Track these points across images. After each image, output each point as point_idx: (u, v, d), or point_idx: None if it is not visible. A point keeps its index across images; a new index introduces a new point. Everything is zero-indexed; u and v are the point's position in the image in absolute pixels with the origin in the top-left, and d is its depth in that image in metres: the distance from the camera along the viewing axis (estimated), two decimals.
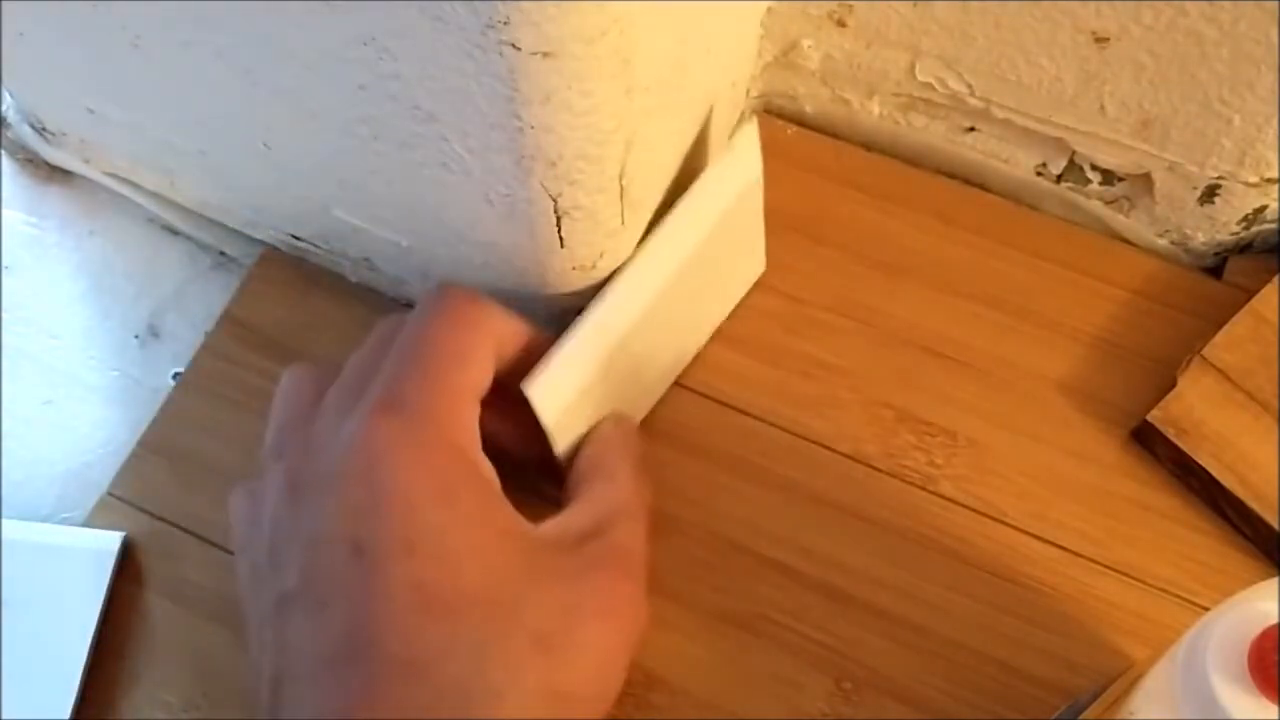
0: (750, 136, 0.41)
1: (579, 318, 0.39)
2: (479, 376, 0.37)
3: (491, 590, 0.34)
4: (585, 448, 0.41)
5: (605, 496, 0.39)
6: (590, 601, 0.36)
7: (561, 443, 0.40)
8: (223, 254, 0.50)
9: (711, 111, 0.42)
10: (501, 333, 0.38)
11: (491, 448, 0.37)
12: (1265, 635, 0.27)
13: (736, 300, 0.46)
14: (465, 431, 0.36)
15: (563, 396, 0.39)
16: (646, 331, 0.41)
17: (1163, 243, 0.46)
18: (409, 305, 0.47)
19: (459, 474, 0.35)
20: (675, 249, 0.40)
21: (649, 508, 0.40)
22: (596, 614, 0.36)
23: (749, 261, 0.46)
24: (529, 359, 0.39)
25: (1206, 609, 0.30)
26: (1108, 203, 0.46)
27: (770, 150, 0.48)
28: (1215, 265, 0.47)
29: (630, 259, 0.40)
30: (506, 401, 0.39)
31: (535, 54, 0.30)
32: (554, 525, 0.37)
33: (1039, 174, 0.47)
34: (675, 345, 0.44)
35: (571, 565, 0.36)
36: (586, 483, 0.39)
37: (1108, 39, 0.40)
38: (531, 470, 0.40)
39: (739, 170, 0.41)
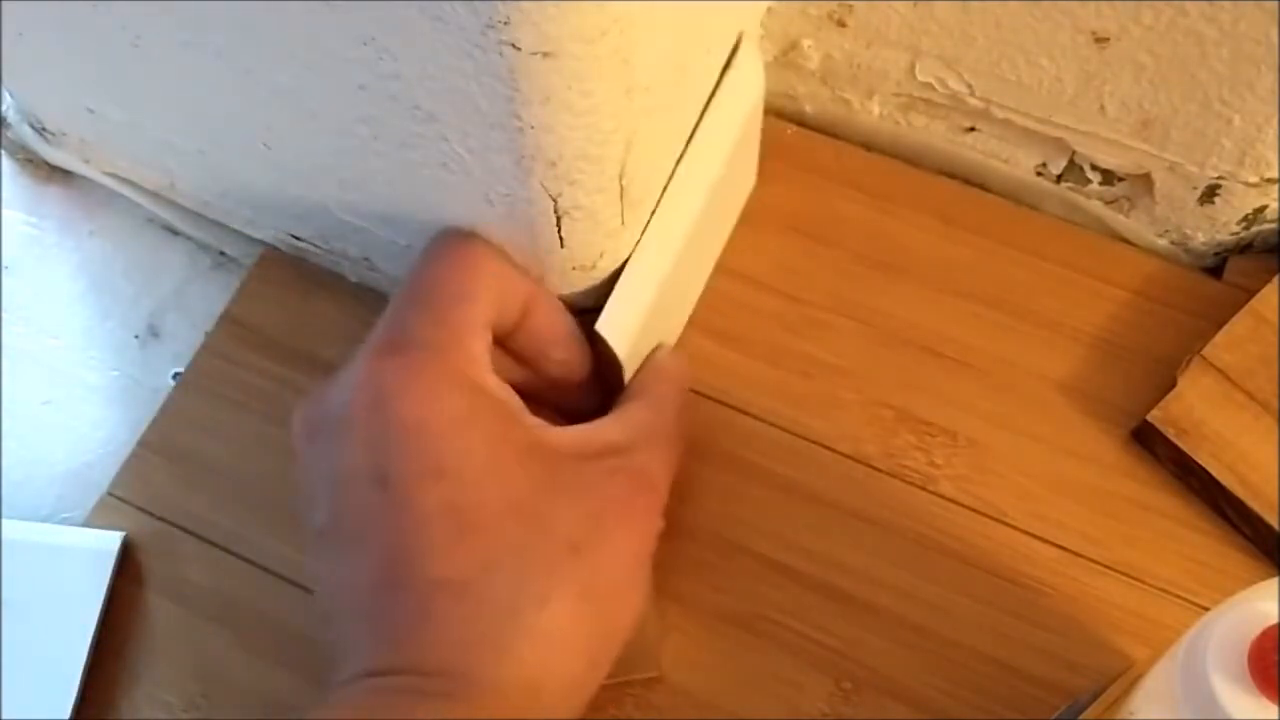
0: (751, 53, 0.42)
1: (634, 251, 0.40)
2: (482, 311, 0.37)
3: (521, 505, 0.35)
4: (636, 374, 0.41)
5: (641, 419, 0.39)
6: (611, 509, 0.36)
7: (629, 376, 0.41)
8: (223, 254, 0.50)
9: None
10: (501, 275, 0.38)
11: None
12: (1265, 635, 0.27)
13: (737, 216, 0.47)
14: (473, 360, 0.36)
15: (630, 329, 0.40)
16: (687, 256, 0.42)
17: (1163, 243, 0.46)
18: None
19: (470, 399, 0.36)
20: (705, 173, 0.41)
21: (682, 445, 0.40)
22: (619, 521, 0.36)
23: (748, 178, 0.47)
24: (527, 308, 0.39)
25: (1206, 609, 0.30)
26: (1108, 203, 0.46)
27: (770, 150, 0.48)
28: (1215, 265, 0.47)
29: (666, 188, 0.41)
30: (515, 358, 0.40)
31: (535, 54, 0.30)
32: (578, 433, 0.38)
33: (1039, 174, 0.47)
34: (703, 266, 0.46)
35: (592, 474, 0.37)
36: (629, 401, 0.40)
37: (1108, 39, 0.40)
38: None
39: (748, 88, 0.42)
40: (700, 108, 0.41)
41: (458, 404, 0.35)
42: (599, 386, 0.41)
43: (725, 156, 0.42)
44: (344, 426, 0.35)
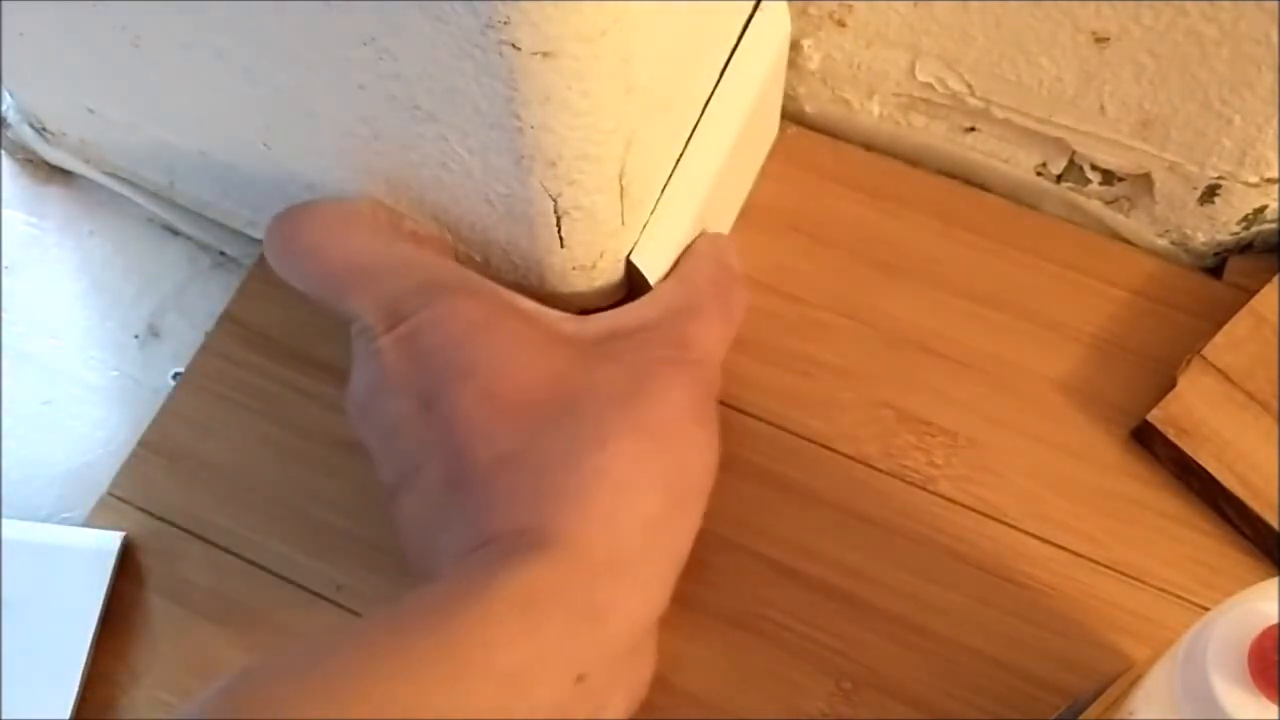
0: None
1: (670, 177, 0.40)
2: (428, 243, 0.38)
3: (557, 379, 0.35)
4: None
5: (674, 294, 0.39)
6: (653, 367, 0.36)
7: None
8: (223, 254, 0.50)
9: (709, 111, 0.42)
10: (378, 208, 0.39)
11: None
12: (1265, 635, 0.27)
13: (759, 166, 0.48)
14: (469, 278, 0.37)
15: (664, 259, 0.40)
16: (719, 191, 0.42)
17: (1163, 243, 0.46)
18: None
19: (484, 305, 0.36)
20: (735, 108, 0.42)
21: (728, 319, 0.39)
22: (663, 374, 0.36)
23: (771, 126, 0.48)
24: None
25: (1206, 609, 0.30)
26: (1108, 203, 0.46)
27: (770, 150, 0.48)
28: (1215, 265, 0.47)
29: (699, 123, 0.41)
30: None
31: (535, 54, 0.30)
32: (604, 318, 0.38)
33: (1039, 174, 0.47)
34: (731, 205, 0.46)
35: (625, 347, 0.36)
36: (662, 282, 0.40)
37: (1108, 39, 0.40)
38: None
39: (776, 28, 0.43)
40: (700, 108, 0.41)
41: (473, 313, 0.36)
42: None
43: (753, 95, 0.42)
44: (384, 386, 0.36)
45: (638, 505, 0.34)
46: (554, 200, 0.36)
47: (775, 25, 0.43)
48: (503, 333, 0.36)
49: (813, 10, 0.44)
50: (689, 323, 0.38)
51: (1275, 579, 0.29)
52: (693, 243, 0.41)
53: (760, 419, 0.44)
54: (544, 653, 0.31)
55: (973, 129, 0.47)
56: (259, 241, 0.48)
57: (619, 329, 0.37)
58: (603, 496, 0.33)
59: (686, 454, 0.36)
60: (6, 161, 0.52)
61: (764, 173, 0.48)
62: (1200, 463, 0.41)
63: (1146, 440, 0.43)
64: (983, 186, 0.48)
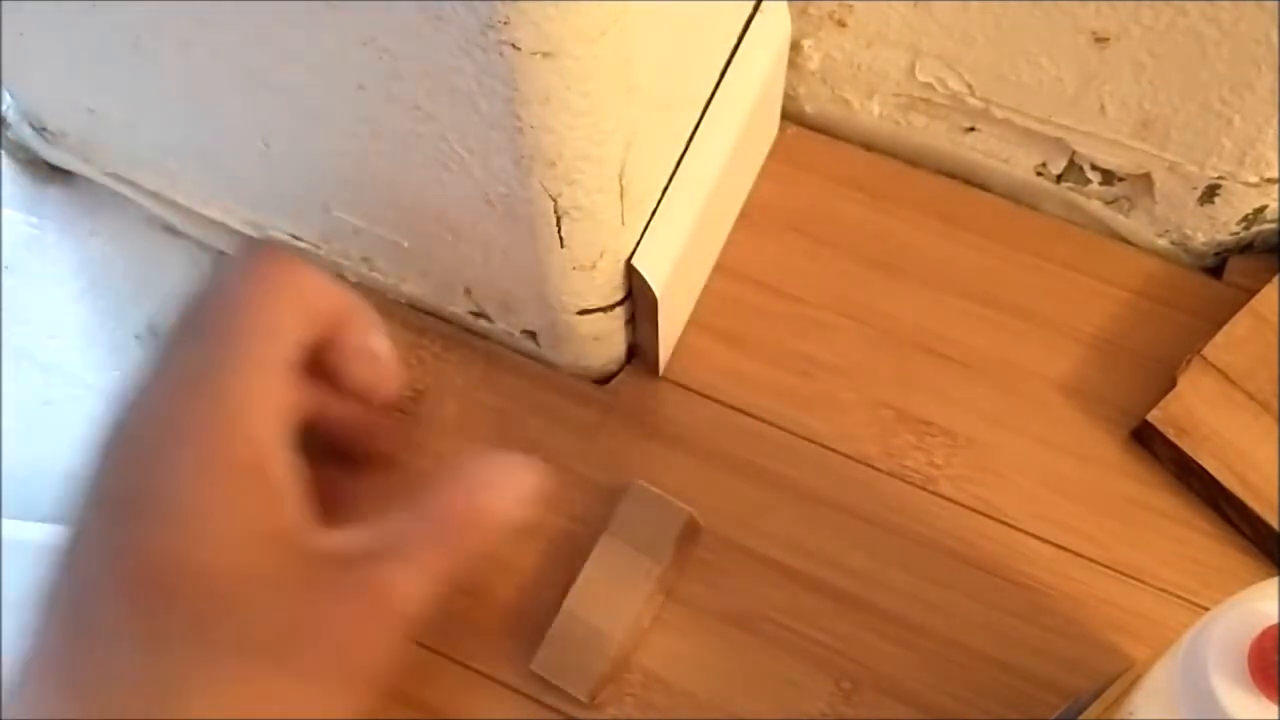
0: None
1: (669, 184, 0.40)
2: (286, 347, 0.32)
3: (220, 582, 0.30)
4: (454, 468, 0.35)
5: (400, 524, 0.33)
6: (327, 627, 0.31)
7: (665, 318, 0.41)
8: (223, 254, 0.50)
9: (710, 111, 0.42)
10: (315, 297, 0.33)
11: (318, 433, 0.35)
12: (1265, 635, 0.27)
13: (759, 166, 0.48)
14: (260, 408, 0.31)
15: (665, 261, 0.40)
16: (719, 191, 0.42)
17: (1163, 243, 0.46)
18: (410, 305, 0.47)
19: (229, 455, 0.31)
20: (736, 108, 0.42)
21: (453, 566, 0.33)
22: (329, 643, 0.31)
23: (771, 126, 0.48)
24: (347, 329, 0.35)
25: (1206, 609, 0.30)
26: (1108, 203, 0.46)
27: (770, 150, 0.48)
28: (1215, 265, 0.47)
29: (699, 123, 0.41)
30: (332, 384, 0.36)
31: (535, 54, 0.30)
32: (341, 537, 0.32)
33: (1039, 174, 0.47)
34: (731, 205, 0.46)
35: (327, 580, 0.31)
36: (406, 496, 0.34)
37: (1108, 39, 0.40)
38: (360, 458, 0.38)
39: (777, 29, 0.43)
40: (701, 108, 0.41)
41: (210, 452, 0.31)
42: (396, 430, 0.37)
43: (754, 96, 0.42)
44: (97, 470, 0.32)
45: None
46: (554, 200, 0.36)
47: (775, 25, 0.43)
48: (217, 493, 0.31)
49: (813, 10, 0.44)
50: (399, 564, 0.32)
51: (1275, 579, 0.29)
52: (480, 458, 0.35)
53: (760, 419, 0.44)
54: None
55: (973, 129, 0.47)
56: (259, 241, 0.48)
57: (346, 550, 0.32)
58: None
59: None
60: (6, 161, 0.52)
61: (764, 173, 0.48)
62: (1200, 463, 0.41)
63: (1146, 440, 0.43)
64: (983, 186, 0.48)
